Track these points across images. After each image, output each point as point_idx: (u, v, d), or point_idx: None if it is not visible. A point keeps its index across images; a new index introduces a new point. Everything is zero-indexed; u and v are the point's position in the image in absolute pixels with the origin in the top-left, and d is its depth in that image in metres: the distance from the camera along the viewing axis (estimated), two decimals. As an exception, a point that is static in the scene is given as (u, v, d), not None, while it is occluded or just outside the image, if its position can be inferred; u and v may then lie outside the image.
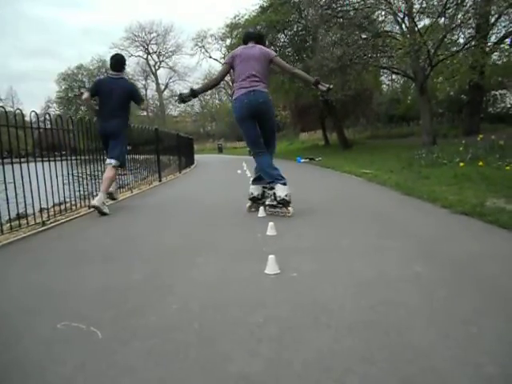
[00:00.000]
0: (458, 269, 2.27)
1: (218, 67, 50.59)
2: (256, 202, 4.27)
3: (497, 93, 21.18)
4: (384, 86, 30.45)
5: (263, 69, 4.01)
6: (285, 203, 3.94)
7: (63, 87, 47.64)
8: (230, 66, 4.14)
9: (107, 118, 4.92)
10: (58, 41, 75.27)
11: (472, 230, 3.21)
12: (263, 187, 4.21)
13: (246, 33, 4.41)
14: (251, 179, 4.41)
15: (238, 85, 3.99)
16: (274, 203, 4.04)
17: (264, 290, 2.06)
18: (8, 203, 3.84)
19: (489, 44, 13.28)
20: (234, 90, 4.09)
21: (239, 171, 10.60)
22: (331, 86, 3.91)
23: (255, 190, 4.26)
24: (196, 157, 19.14)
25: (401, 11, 12.42)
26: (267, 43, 18.39)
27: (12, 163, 4.00)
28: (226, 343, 1.53)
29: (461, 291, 1.94)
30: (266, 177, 4.08)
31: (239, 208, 4.75)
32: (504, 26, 13.51)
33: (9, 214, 3.95)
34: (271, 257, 2.34)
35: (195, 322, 1.71)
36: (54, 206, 4.62)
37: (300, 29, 18.90)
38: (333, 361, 1.37)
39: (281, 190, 3.92)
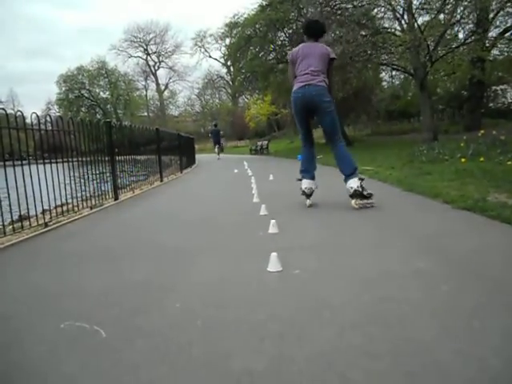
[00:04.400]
0: (461, 264, 2.27)
1: (217, 67, 50.62)
2: (308, 195, 4.39)
3: (497, 88, 21.10)
4: (384, 82, 30.38)
5: (322, 65, 4.07)
6: (361, 195, 4.02)
7: (64, 89, 47.63)
8: (293, 64, 4.20)
9: None
10: (56, 41, 75.09)
11: (474, 225, 3.20)
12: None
13: (311, 25, 4.38)
14: (303, 174, 4.48)
15: (296, 79, 4.12)
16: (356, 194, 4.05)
17: (266, 288, 2.06)
18: (10, 205, 3.85)
19: (489, 38, 13.25)
20: (294, 82, 4.18)
21: (236, 170, 10.58)
22: None
23: (309, 184, 4.38)
24: (197, 156, 19.14)
25: (400, 6, 12.39)
26: (267, 42, 18.47)
27: (14, 165, 4.01)
28: (229, 341, 1.53)
29: (463, 286, 1.95)
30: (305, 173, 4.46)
31: (240, 206, 4.77)
32: (503, 22, 13.48)
33: (11, 216, 3.97)
34: (273, 254, 2.35)
35: (198, 320, 1.72)
36: (56, 207, 4.63)
37: (300, 27, 18.87)
38: (336, 356, 1.37)
39: (353, 184, 4.05)
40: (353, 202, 4.03)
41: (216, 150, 19.61)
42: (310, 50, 4.13)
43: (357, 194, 4.00)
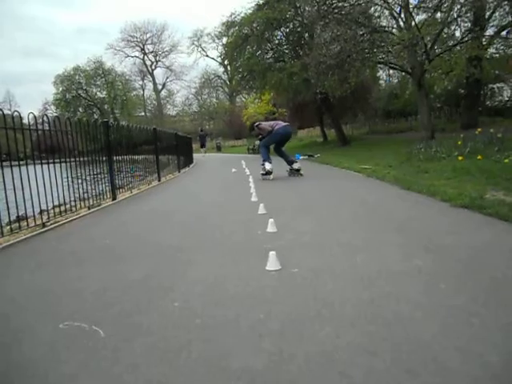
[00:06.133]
0: (459, 261, 2.27)
1: (214, 66, 50.55)
2: (271, 173, 7.43)
3: (494, 86, 21.13)
4: (381, 81, 30.37)
5: None
6: (299, 170, 7.73)
7: (61, 89, 47.42)
8: (266, 122, 8.38)
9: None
10: (53, 41, 74.15)
11: (472, 223, 3.21)
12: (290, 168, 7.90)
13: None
14: (266, 162, 7.43)
15: (278, 126, 7.72)
16: (295, 170, 7.78)
17: (265, 287, 2.06)
18: (8, 206, 3.84)
19: (485, 37, 13.27)
20: (275, 127, 7.66)
21: (234, 169, 10.53)
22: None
23: (271, 166, 7.45)
24: (195, 156, 19.10)
25: (398, 4, 12.37)
26: (264, 41, 18.49)
27: (11, 166, 3.99)
28: (228, 339, 1.53)
29: (462, 283, 1.95)
30: (265, 157, 7.57)
31: (239, 205, 4.76)
32: (500, 20, 13.51)
33: (9, 217, 3.95)
34: (272, 253, 2.35)
35: (197, 319, 1.72)
36: (53, 207, 4.62)
37: (297, 26, 18.84)
38: (336, 354, 1.37)
39: (296, 166, 7.82)
40: (301, 172, 7.70)
41: (202, 150, 25.40)
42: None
43: (299, 170, 7.72)
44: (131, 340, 1.58)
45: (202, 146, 25.86)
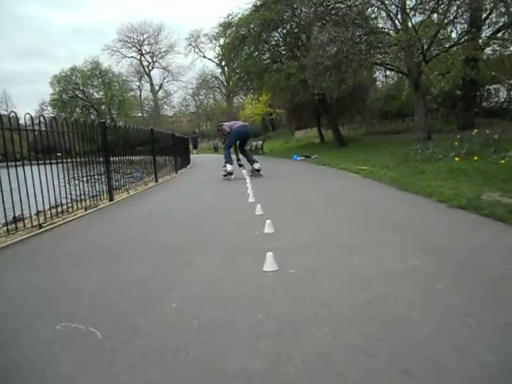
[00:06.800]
0: (456, 262, 2.28)
1: (212, 67, 50.54)
2: (232, 174, 8.08)
3: (490, 87, 21.22)
4: (378, 82, 30.44)
5: None
6: (259, 170, 8.32)
7: (57, 89, 47.27)
8: (228, 123, 8.71)
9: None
10: (48, 41, 73.43)
11: (468, 224, 3.22)
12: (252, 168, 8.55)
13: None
14: (228, 164, 8.13)
15: (236, 125, 8.42)
16: (255, 170, 8.38)
17: (263, 287, 2.06)
18: (4, 207, 3.82)
19: (482, 38, 13.33)
20: (233, 127, 8.30)
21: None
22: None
23: (232, 168, 8.16)
24: (191, 156, 19.09)
25: (395, 5, 12.42)
26: (262, 42, 18.54)
27: (7, 167, 3.97)
28: (225, 340, 1.53)
29: (459, 284, 1.96)
30: (228, 159, 8.28)
31: (236, 206, 4.76)
32: (496, 21, 13.58)
33: (5, 217, 3.94)
34: (269, 254, 2.35)
35: (194, 320, 1.72)
36: (50, 208, 4.60)
37: (294, 27, 18.87)
38: (333, 354, 1.38)
39: (257, 166, 8.36)
40: (260, 173, 8.23)
41: (194, 151, 28.05)
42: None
43: (259, 170, 8.27)
44: (129, 341, 1.57)
45: (195, 147, 29.67)
